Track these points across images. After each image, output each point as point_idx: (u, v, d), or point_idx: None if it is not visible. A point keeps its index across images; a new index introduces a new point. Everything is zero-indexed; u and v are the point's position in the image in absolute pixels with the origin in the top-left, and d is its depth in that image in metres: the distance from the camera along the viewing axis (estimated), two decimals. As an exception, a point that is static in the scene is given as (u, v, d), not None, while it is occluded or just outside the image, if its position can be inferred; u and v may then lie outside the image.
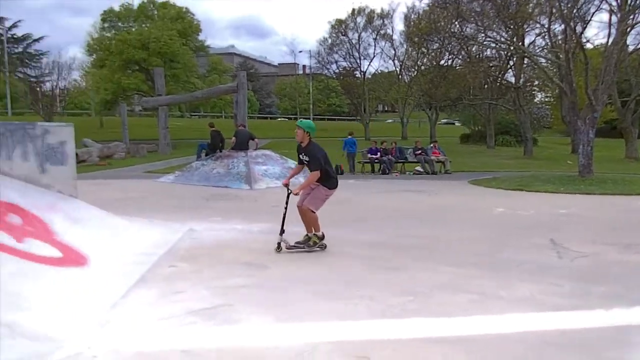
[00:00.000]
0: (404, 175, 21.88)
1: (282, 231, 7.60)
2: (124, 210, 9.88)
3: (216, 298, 5.36)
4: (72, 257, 6.54)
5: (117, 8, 50.73)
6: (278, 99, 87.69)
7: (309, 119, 65.80)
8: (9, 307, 4.65)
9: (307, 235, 7.75)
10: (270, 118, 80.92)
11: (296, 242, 7.71)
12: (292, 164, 18.21)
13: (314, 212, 7.65)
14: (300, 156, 7.85)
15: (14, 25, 74.73)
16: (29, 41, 74.62)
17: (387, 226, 10.00)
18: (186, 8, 50.57)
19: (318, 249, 7.73)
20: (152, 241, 8.10)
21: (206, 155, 19.16)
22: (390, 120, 70.96)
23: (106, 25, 50.59)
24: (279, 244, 7.57)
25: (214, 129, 19.68)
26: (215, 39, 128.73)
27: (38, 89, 55.48)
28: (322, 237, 7.79)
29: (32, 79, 60.23)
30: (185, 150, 33.45)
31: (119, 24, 50.34)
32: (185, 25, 48.38)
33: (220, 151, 18.50)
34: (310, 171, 7.64)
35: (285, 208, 7.74)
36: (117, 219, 8.87)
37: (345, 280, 6.19)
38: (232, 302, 5.24)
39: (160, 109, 35.46)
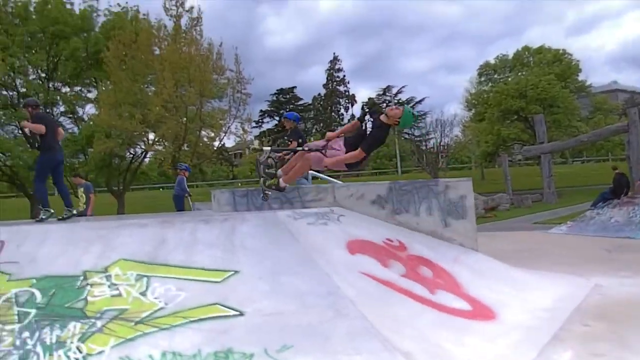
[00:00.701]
0: None
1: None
2: (519, 263, 9.66)
3: (648, 366, 4.73)
4: (481, 311, 6.60)
5: (492, 61, 52.17)
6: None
7: None
8: (432, 357, 4.86)
9: (279, 173, 6.85)
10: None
11: (276, 185, 6.89)
12: None
13: (306, 165, 6.97)
14: (367, 121, 6.80)
15: (399, 91, 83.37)
16: (412, 103, 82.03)
17: None
18: (563, 50, 49.22)
19: (268, 191, 7.05)
20: (555, 295, 7.69)
21: (605, 201, 17.57)
22: None
23: (482, 79, 52.42)
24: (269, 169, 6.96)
25: (617, 171, 18.14)
26: (595, 77, 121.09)
27: (423, 147, 59.87)
28: (281, 189, 6.99)
29: (417, 138, 65.46)
30: (572, 198, 31.78)
31: (495, 75, 51.59)
32: (564, 68, 47.04)
33: (622, 197, 16.85)
34: (359, 148, 6.67)
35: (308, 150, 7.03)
36: (516, 272, 8.74)
37: None
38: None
39: (543, 156, 34.62)
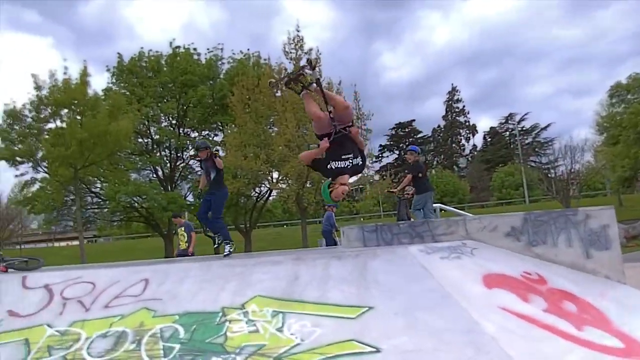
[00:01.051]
0: None
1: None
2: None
3: None
4: (635, 349, 6.06)
5: (624, 81, 49.23)
6: None
7: None
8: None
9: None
10: None
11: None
12: None
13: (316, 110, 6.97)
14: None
15: (522, 119, 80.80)
16: (537, 130, 78.99)
17: None
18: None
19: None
20: None
21: None
22: None
23: (614, 100, 49.46)
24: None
25: None
26: None
27: (551, 174, 57.06)
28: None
29: (544, 166, 62.59)
30: None
31: (628, 96, 48.52)
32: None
33: None
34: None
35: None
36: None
37: None
38: None
39: (689, 179, 31.96)
